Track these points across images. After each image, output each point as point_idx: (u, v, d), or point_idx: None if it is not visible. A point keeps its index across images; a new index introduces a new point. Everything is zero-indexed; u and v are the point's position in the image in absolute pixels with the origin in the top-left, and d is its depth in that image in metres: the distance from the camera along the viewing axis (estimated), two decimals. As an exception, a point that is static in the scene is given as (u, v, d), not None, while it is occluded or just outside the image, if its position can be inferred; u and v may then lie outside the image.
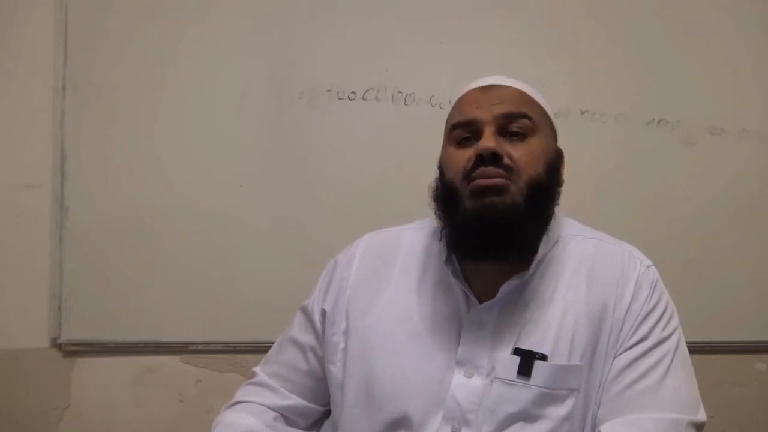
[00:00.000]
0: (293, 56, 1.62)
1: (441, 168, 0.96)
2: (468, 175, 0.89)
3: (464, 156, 0.91)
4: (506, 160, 0.88)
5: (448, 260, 0.95)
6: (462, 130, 0.93)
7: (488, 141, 0.88)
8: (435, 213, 0.96)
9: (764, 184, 1.72)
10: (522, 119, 0.92)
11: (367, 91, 1.63)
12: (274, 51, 1.61)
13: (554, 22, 1.67)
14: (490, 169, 0.88)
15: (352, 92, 1.63)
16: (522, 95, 0.95)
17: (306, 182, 1.62)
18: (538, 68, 1.62)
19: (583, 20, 1.68)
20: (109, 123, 1.58)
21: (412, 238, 1.03)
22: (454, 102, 0.99)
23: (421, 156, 1.56)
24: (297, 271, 1.56)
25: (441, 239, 0.96)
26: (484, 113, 0.91)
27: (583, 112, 1.67)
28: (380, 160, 1.63)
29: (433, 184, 0.97)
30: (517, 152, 0.90)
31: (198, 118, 1.60)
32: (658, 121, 1.70)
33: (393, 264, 1.00)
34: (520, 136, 0.91)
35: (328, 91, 1.62)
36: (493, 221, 0.87)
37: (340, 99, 1.62)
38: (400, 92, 1.63)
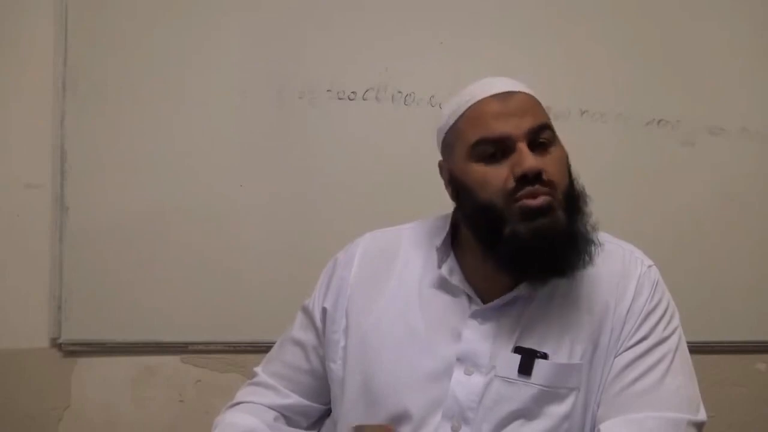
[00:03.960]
0: (293, 56, 1.62)
1: (462, 185, 0.92)
2: (512, 195, 0.87)
3: (500, 174, 0.88)
4: (545, 176, 0.87)
5: (442, 263, 0.95)
6: (488, 146, 0.89)
7: (530, 160, 0.86)
8: (475, 237, 0.92)
9: (764, 184, 1.73)
10: (546, 130, 0.90)
11: (367, 91, 1.63)
12: (274, 51, 1.61)
13: (554, 22, 1.67)
14: (537, 188, 0.86)
15: (352, 92, 1.63)
16: (536, 101, 0.93)
17: (306, 182, 1.62)
18: (538, 68, 1.62)
19: (583, 20, 1.68)
20: (109, 123, 1.58)
21: (412, 237, 1.03)
22: (459, 111, 0.93)
23: (421, 156, 1.57)
24: (297, 271, 1.56)
25: (441, 239, 0.95)
26: (514, 128, 0.88)
27: (583, 112, 1.67)
28: (380, 160, 1.63)
29: (457, 203, 0.95)
30: (549, 166, 0.88)
31: (198, 117, 1.60)
32: (658, 121, 1.70)
33: (393, 263, 1.00)
34: (545, 146, 0.90)
35: (328, 91, 1.62)
36: (549, 242, 0.86)
37: (340, 99, 1.62)
38: (400, 92, 1.64)
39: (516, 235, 0.86)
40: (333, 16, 1.63)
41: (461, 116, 0.93)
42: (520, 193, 0.86)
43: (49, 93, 1.58)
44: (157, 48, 1.59)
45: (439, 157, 0.99)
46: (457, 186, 0.93)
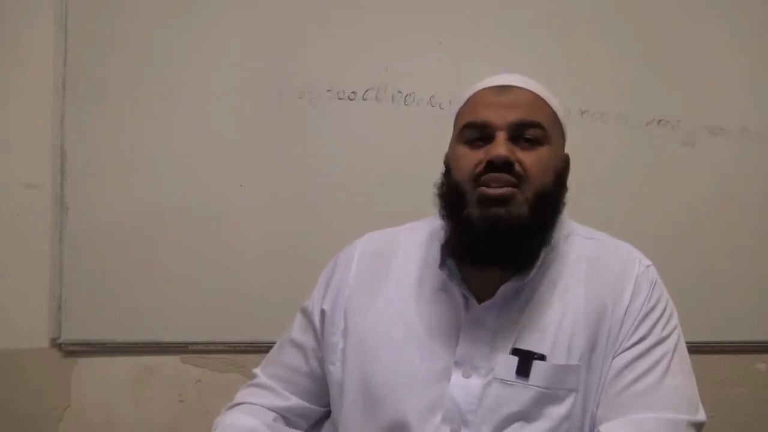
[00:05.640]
0: (293, 56, 1.62)
1: (448, 165, 0.96)
2: (476, 179, 0.89)
3: (474, 158, 0.90)
4: (517, 167, 0.88)
5: (443, 264, 0.94)
6: (473, 131, 0.92)
7: (500, 148, 0.88)
8: (439, 211, 0.95)
9: (764, 184, 1.73)
10: (534, 128, 0.91)
11: (367, 91, 1.63)
12: (274, 51, 1.61)
13: (554, 22, 1.67)
14: (500, 176, 0.87)
15: (352, 92, 1.63)
16: (537, 100, 0.94)
17: (306, 182, 1.62)
18: (538, 68, 1.59)
19: (583, 20, 1.68)
20: (109, 123, 1.58)
21: (409, 239, 1.03)
22: (465, 97, 0.97)
23: (421, 156, 1.58)
24: (297, 271, 1.56)
25: (441, 239, 0.95)
26: (497, 117, 0.90)
27: (583, 112, 1.67)
28: (380, 160, 1.63)
29: (439, 181, 0.97)
30: (527, 159, 0.89)
31: (198, 117, 1.60)
32: (658, 121, 1.70)
33: (390, 265, 1.00)
34: (532, 143, 0.91)
35: (328, 91, 1.62)
36: (498, 232, 0.87)
37: (340, 99, 1.63)
38: (400, 92, 1.64)
39: (469, 219, 0.88)
40: (333, 16, 1.63)
41: (464, 103, 0.97)
42: (483, 178, 0.88)
43: (49, 93, 1.58)
44: (157, 48, 1.59)
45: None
46: (445, 166, 0.97)
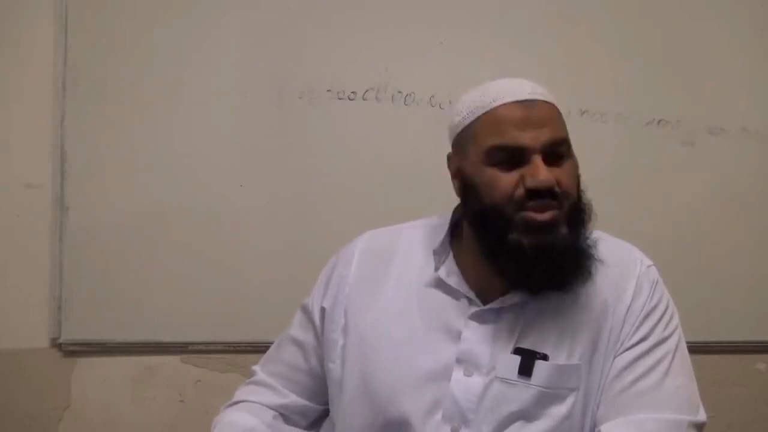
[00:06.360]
0: (293, 56, 1.62)
1: (474, 185, 0.91)
2: (519, 203, 0.87)
3: (510, 181, 0.87)
4: (556, 189, 0.87)
5: (440, 265, 0.95)
6: (503, 154, 0.88)
7: (544, 173, 0.86)
8: (477, 238, 0.92)
9: (764, 184, 1.73)
10: (563, 145, 0.90)
11: (367, 91, 1.63)
12: (274, 51, 1.61)
13: (554, 22, 1.67)
14: (546, 202, 0.86)
15: (352, 92, 1.63)
16: (557, 112, 0.93)
17: (306, 182, 1.62)
18: (538, 68, 1.61)
19: (583, 20, 1.68)
20: (109, 123, 1.58)
21: (411, 237, 1.02)
22: (478, 106, 0.92)
23: (421, 156, 1.58)
24: (297, 271, 1.55)
25: (435, 245, 0.95)
26: (531, 140, 0.87)
27: (583, 112, 1.67)
28: (380, 160, 1.63)
29: (468, 202, 0.94)
30: (562, 177, 0.88)
31: (198, 117, 1.60)
32: (658, 121, 1.70)
33: (392, 263, 1.00)
34: (559, 157, 0.90)
35: (328, 91, 1.62)
36: (552, 260, 0.87)
37: (340, 99, 1.63)
38: (400, 92, 1.64)
39: (519, 245, 0.86)
40: (333, 16, 1.63)
41: (478, 118, 0.91)
42: (528, 204, 0.86)
43: (49, 93, 1.58)
44: (157, 48, 1.59)
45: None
46: (465, 184, 0.93)
